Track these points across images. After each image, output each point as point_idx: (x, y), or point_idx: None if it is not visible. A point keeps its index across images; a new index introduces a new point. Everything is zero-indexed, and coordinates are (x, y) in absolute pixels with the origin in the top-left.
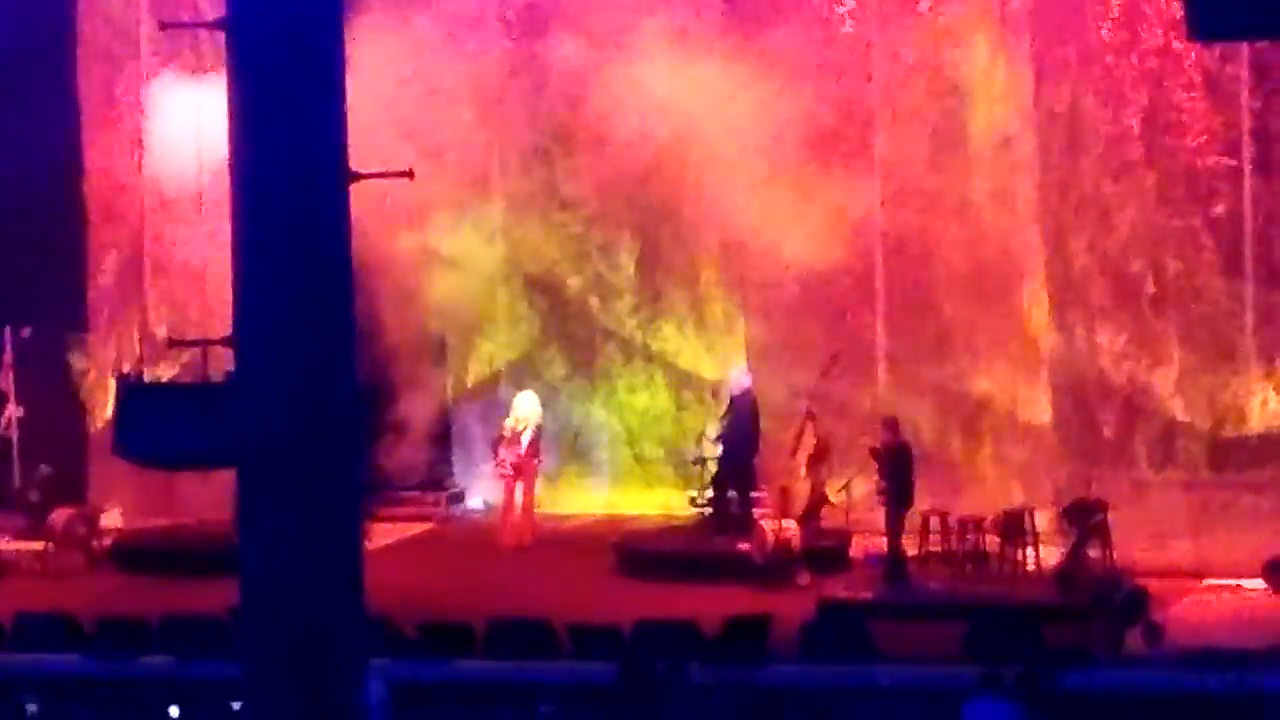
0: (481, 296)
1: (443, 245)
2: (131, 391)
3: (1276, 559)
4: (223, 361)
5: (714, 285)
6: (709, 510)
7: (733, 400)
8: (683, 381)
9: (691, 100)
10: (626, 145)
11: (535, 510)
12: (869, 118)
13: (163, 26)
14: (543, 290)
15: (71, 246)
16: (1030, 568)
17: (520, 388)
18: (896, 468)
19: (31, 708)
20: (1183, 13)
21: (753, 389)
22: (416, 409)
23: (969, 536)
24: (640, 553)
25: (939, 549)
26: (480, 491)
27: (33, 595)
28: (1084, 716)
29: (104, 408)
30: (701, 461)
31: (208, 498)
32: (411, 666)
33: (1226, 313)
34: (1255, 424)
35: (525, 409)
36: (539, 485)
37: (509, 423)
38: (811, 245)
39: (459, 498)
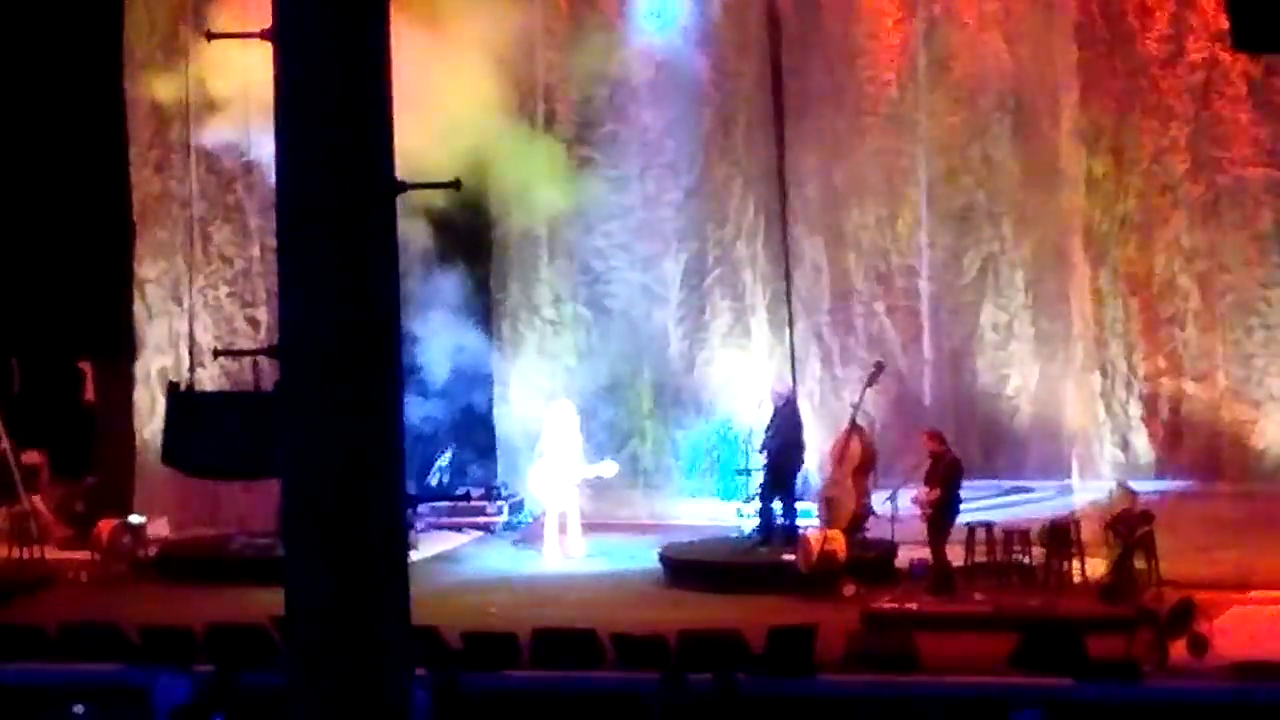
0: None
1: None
2: (180, 402)
3: None
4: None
5: (758, 296)
6: (754, 521)
7: (777, 410)
8: (728, 392)
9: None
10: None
11: (580, 520)
12: (913, 128)
13: (209, 37)
14: (588, 300)
15: (117, 256)
16: (1076, 579)
17: (567, 398)
18: (945, 479)
19: (78, 709)
20: (1229, 24)
21: (796, 399)
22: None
23: (1015, 548)
24: (685, 563)
25: (984, 560)
26: (525, 501)
27: (78, 605)
28: None
29: (149, 418)
30: (746, 472)
31: (252, 507)
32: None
33: (1273, 324)
34: None
35: (563, 418)
36: (583, 495)
37: (548, 432)
38: (855, 255)
39: (519, 506)
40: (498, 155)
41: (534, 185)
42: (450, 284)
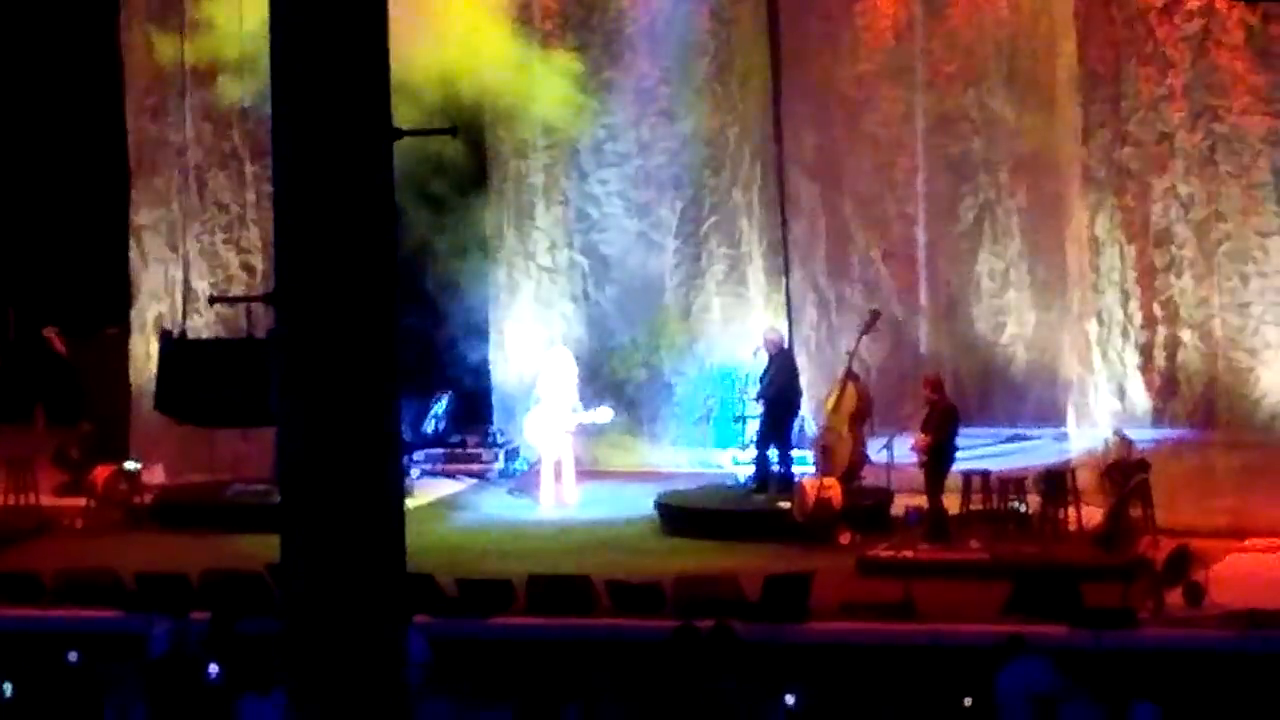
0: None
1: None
2: (173, 348)
3: None
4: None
5: (754, 243)
6: (750, 469)
7: (772, 358)
8: (723, 339)
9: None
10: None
11: (575, 468)
12: (909, 75)
13: None
14: (584, 248)
15: (113, 203)
16: (1072, 527)
17: (563, 345)
18: (940, 425)
19: (73, 656)
20: None
21: (791, 347)
22: (459, 364)
23: (1010, 496)
24: (681, 511)
25: (980, 508)
26: (520, 448)
27: (74, 552)
28: (1125, 676)
29: (145, 364)
30: (742, 420)
31: (248, 454)
32: (452, 623)
33: (1269, 273)
34: None
35: (560, 365)
36: (579, 442)
37: (544, 378)
38: (851, 203)
39: (514, 454)
40: (494, 64)
41: (535, 97)
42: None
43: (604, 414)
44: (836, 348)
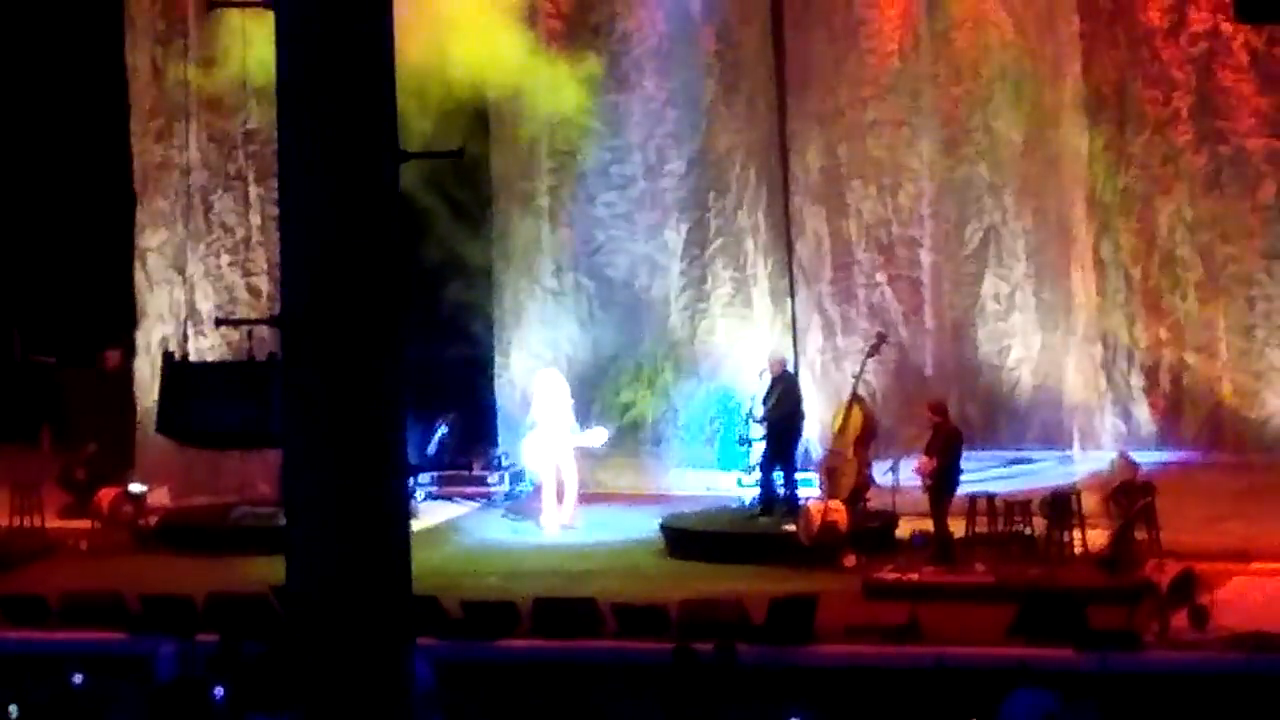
0: (527, 276)
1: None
2: (177, 371)
3: None
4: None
5: (760, 266)
6: (755, 491)
7: (776, 381)
8: (728, 362)
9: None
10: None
11: (578, 490)
12: (914, 98)
13: (210, 6)
14: (589, 270)
15: (118, 225)
16: (1077, 550)
17: (564, 368)
18: (944, 449)
19: (78, 678)
20: None
21: (795, 369)
22: (464, 388)
23: (1015, 519)
24: (686, 533)
25: (985, 531)
26: (525, 471)
27: (79, 574)
28: (1130, 699)
29: (150, 387)
30: (747, 442)
31: (253, 476)
32: (457, 646)
33: (1274, 295)
34: None
35: (551, 387)
36: (583, 465)
37: (538, 401)
38: (856, 225)
39: (519, 476)
40: (499, 85)
41: (540, 118)
42: None
43: (598, 435)
44: (842, 370)
